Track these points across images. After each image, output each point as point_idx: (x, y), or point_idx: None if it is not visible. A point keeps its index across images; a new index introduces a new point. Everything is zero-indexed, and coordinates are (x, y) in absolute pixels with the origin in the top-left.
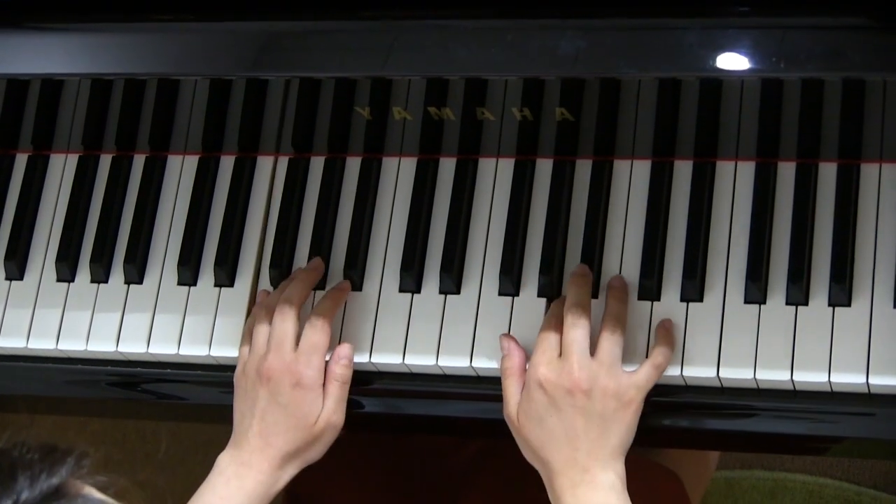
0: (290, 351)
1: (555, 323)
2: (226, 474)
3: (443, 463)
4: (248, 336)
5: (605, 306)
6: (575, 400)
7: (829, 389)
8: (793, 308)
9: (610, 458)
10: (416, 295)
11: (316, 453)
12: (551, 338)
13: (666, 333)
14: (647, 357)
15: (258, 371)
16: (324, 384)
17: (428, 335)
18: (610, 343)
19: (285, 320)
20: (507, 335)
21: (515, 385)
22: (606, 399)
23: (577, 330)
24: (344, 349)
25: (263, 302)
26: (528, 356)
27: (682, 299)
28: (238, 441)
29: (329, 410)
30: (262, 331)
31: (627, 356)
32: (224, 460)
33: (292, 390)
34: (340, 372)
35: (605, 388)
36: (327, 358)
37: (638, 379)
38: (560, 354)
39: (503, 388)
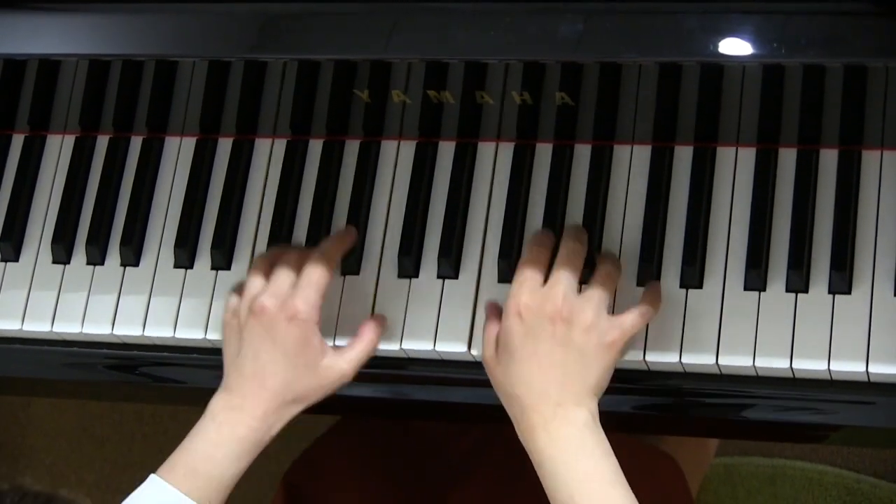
0: (286, 289)
1: (536, 254)
2: (218, 420)
3: (441, 451)
4: (237, 288)
5: (598, 263)
6: (555, 328)
7: (828, 377)
8: (793, 295)
9: (584, 395)
10: (414, 279)
11: (316, 398)
12: (533, 267)
13: (654, 290)
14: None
15: (251, 308)
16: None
17: (426, 320)
18: (600, 286)
19: (290, 266)
20: (494, 301)
21: (493, 328)
22: (589, 333)
23: (572, 262)
24: (381, 318)
25: (263, 257)
26: None
27: (682, 285)
28: (230, 384)
29: (345, 360)
30: (258, 275)
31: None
32: (217, 405)
33: (288, 325)
34: (372, 334)
35: (588, 321)
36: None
37: (622, 321)
38: (542, 285)
39: (483, 335)
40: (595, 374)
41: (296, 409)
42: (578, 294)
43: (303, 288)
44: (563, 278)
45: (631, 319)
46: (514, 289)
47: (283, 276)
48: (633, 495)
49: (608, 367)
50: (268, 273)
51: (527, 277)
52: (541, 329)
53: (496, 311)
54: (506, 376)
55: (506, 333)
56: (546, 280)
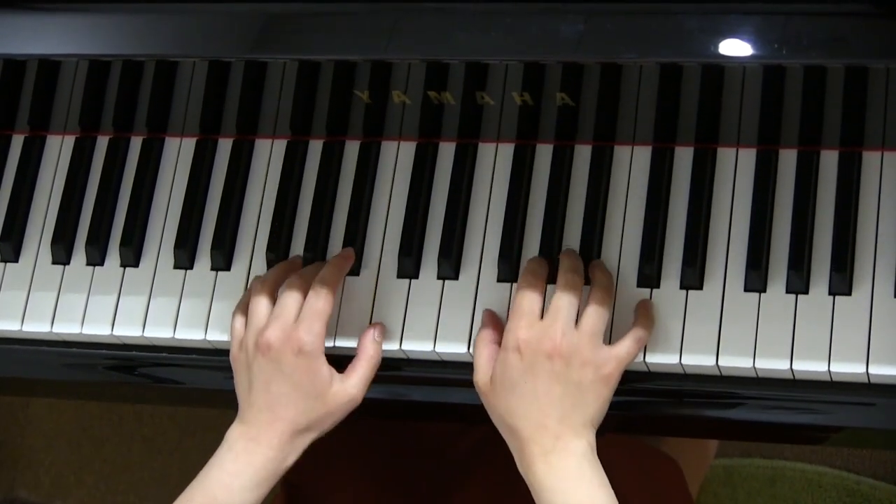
0: (290, 321)
1: (533, 284)
2: (235, 449)
3: (442, 452)
4: (240, 311)
5: (592, 281)
6: (553, 365)
7: (828, 379)
8: (793, 296)
9: (583, 427)
10: (413, 280)
11: (329, 424)
12: (531, 300)
13: (646, 311)
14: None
15: (257, 343)
16: (353, 360)
17: (425, 321)
18: (596, 315)
19: (293, 295)
20: (490, 310)
21: (487, 351)
22: (585, 368)
23: (569, 295)
24: (378, 329)
25: (263, 277)
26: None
27: (682, 287)
28: (245, 416)
29: (351, 384)
30: (261, 305)
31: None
32: (233, 435)
33: (295, 358)
34: (373, 350)
35: (585, 357)
36: (347, 347)
37: (618, 351)
38: (541, 318)
39: (474, 356)
40: (593, 406)
41: (310, 438)
42: (576, 325)
43: (306, 319)
44: (562, 312)
45: (626, 349)
46: (512, 321)
47: (287, 307)
48: None
49: (606, 398)
50: (270, 296)
51: (524, 310)
52: (539, 366)
53: (491, 326)
54: (505, 409)
55: (504, 367)
56: (543, 309)
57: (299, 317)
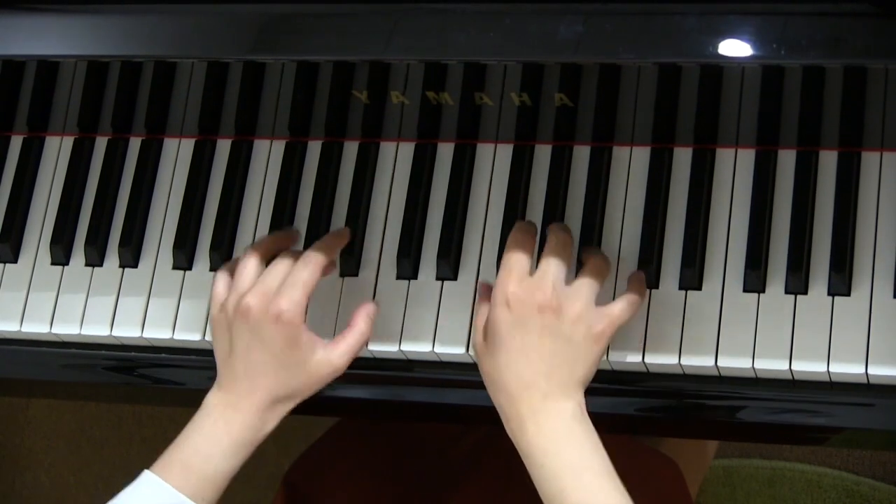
0: (272, 289)
1: (522, 242)
2: (213, 416)
3: (441, 454)
4: (226, 272)
5: (586, 255)
6: (544, 318)
7: (827, 379)
8: (792, 297)
9: (572, 386)
10: (412, 281)
11: (309, 393)
12: (520, 256)
13: (638, 279)
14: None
15: (237, 308)
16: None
17: (424, 322)
18: (588, 281)
19: (281, 264)
20: (487, 282)
21: (482, 314)
22: (577, 324)
23: (558, 255)
24: (372, 307)
25: (256, 243)
26: None
27: (681, 287)
28: (224, 382)
29: (336, 354)
30: (248, 268)
31: (620, 342)
32: (211, 401)
33: (274, 325)
34: (363, 325)
35: (577, 312)
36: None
37: (611, 310)
38: (529, 274)
39: (473, 321)
40: (583, 365)
41: (290, 405)
42: (567, 285)
43: (288, 287)
44: (552, 268)
45: (619, 309)
46: (501, 276)
47: (272, 274)
48: (623, 487)
49: (596, 357)
50: (259, 262)
51: (514, 265)
52: (529, 319)
53: (488, 294)
54: (494, 366)
55: (494, 323)
56: (532, 268)
57: (283, 283)
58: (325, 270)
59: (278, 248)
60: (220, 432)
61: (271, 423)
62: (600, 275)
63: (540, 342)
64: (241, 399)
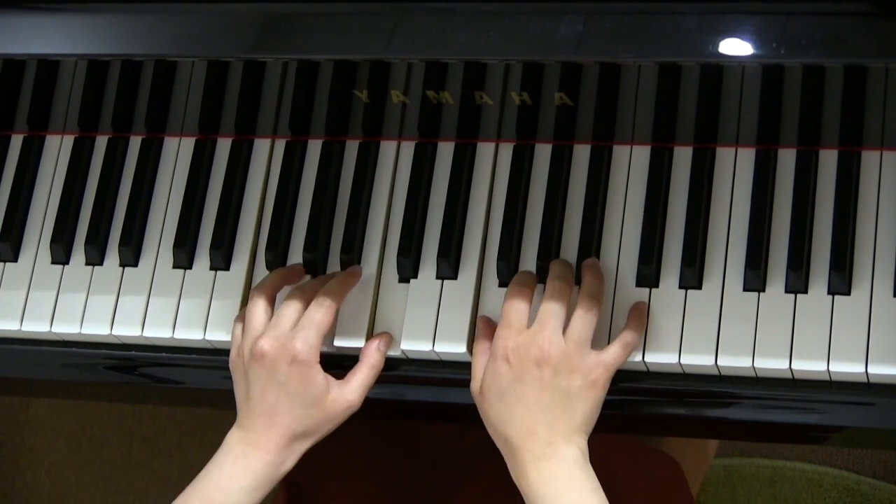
0: (286, 331)
1: (521, 294)
2: (233, 453)
3: (442, 452)
4: (241, 318)
5: (582, 285)
6: (541, 373)
7: (827, 378)
8: (792, 296)
9: (573, 433)
10: (413, 280)
11: (327, 430)
12: (519, 309)
13: (639, 315)
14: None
15: (251, 352)
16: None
17: (425, 321)
18: (583, 322)
19: (291, 306)
20: (486, 317)
21: (481, 359)
22: (573, 375)
23: (557, 303)
24: (385, 339)
25: (261, 284)
26: None
27: (681, 286)
28: (244, 421)
29: (350, 390)
30: (257, 311)
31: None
32: (232, 439)
33: (289, 367)
34: (375, 358)
35: (572, 364)
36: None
37: (605, 358)
38: (528, 326)
39: (472, 365)
40: (582, 413)
41: (308, 443)
42: (563, 332)
43: (303, 329)
44: (550, 320)
45: (613, 355)
46: (500, 330)
47: (285, 316)
48: None
49: (595, 404)
50: (267, 302)
51: (513, 318)
52: (528, 374)
53: (487, 335)
54: (497, 416)
55: (493, 375)
56: (531, 318)
57: (297, 326)
58: (334, 318)
59: (283, 285)
60: (241, 469)
61: (290, 460)
62: (594, 313)
63: (539, 396)
64: (260, 437)
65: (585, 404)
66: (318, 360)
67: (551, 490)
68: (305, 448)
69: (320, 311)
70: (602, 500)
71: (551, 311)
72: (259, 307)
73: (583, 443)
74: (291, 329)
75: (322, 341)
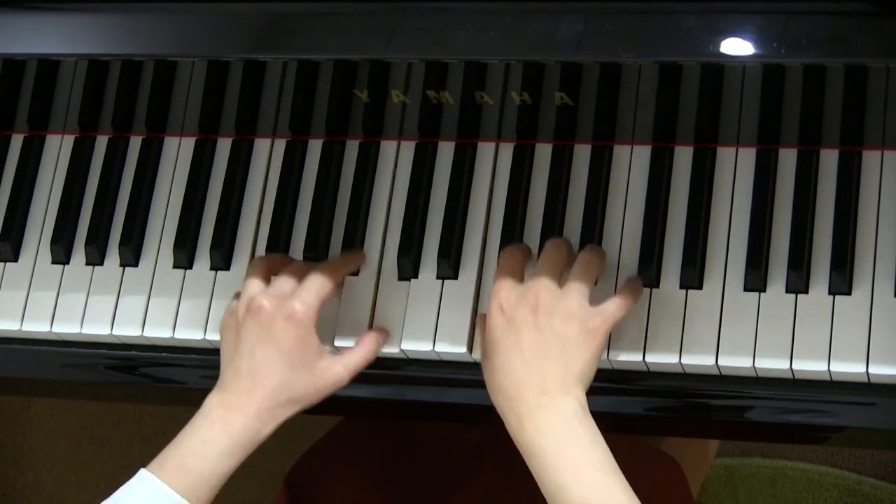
0: (286, 293)
1: (516, 253)
2: (210, 417)
3: (443, 452)
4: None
5: (580, 253)
6: (536, 318)
7: (828, 378)
8: (793, 296)
9: (571, 383)
10: (413, 280)
11: (311, 401)
12: (513, 263)
13: (634, 282)
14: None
15: (248, 307)
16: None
17: (425, 321)
18: (580, 280)
19: (291, 272)
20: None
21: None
22: (570, 321)
23: (549, 265)
24: (383, 333)
25: (263, 258)
26: None
27: (682, 286)
28: (225, 382)
29: (342, 363)
30: (257, 277)
31: (620, 341)
32: (210, 403)
33: (285, 323)
34: (371, 345)
35: (569, 310)
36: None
37: (604, 308)
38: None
39: (478, 331)
40: (579, 361)
41: (290, 411)
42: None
43: (302, 290)
44: (544, 275)
45: (613, 307)
46: (495, 284)
47: (284, 280)
48: (626, 482)
49: (592, 354)
50: (267, 275)
51: (507, 274)
52: (522, 319)
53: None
54: (492, 369)
55: (489, 329)
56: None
57: (296, 288)
58: (333, 290)
59: (284, 266)
60: (218, 433)
61: (269, 426)
62: (591, 272)
63: (533, 341)
64: (241, 398)
65: (583, 353)
66: (315, 324)
67: (550, 444)
68: (286, 416)
69: (319, 278)
70: (605, 452)
71: (546, 267)
72: (257, 276)
73: (580, 394)
74: (290, 291)
75: (320, 306)
